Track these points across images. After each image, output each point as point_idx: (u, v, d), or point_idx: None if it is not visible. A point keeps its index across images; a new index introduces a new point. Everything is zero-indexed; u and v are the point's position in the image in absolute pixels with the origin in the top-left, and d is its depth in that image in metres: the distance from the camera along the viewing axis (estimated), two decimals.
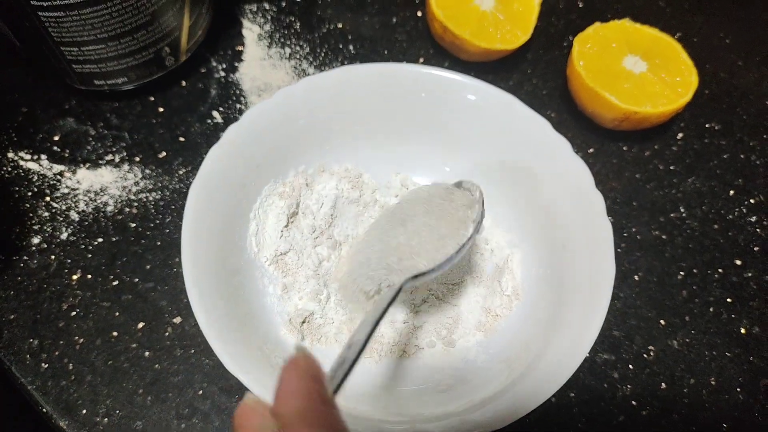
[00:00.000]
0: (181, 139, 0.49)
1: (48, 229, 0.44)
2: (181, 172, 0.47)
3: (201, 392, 0.39)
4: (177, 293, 0.42)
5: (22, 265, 0.43)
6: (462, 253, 0.35)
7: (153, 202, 0.46)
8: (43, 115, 0.49)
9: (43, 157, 0.47)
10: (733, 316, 0.44)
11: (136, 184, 0.47)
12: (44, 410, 0.39)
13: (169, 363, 0.40)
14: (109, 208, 0.45)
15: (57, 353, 0.40)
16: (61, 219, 0.45)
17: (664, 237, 0.47)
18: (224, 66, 0.53)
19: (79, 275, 0.43)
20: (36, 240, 0.44)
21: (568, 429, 0.40)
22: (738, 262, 0.46)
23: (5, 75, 0.51)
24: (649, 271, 0.45)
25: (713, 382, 0.41)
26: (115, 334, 0.41)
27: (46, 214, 0.45)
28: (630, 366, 0.42)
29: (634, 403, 0.41)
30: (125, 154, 0.48)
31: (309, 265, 0.41)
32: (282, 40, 0.55)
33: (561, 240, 0.39)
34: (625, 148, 0.51)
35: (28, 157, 0.47)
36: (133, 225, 0.45)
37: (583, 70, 0.47)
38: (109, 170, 0.47)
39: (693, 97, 0.47)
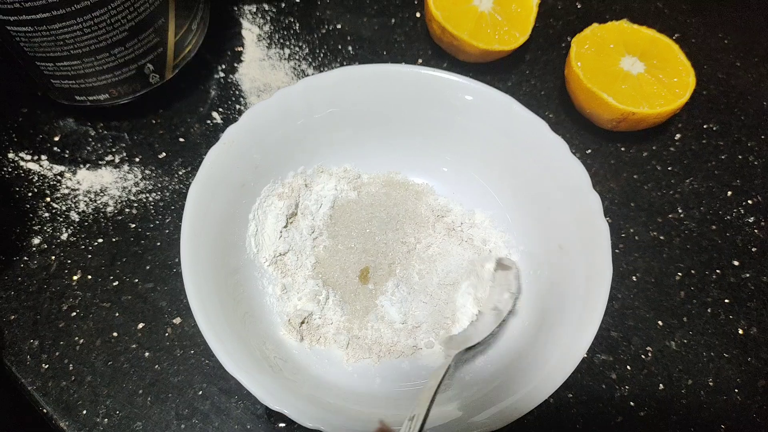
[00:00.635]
0: (181, 139, 0.49)
1: (48, 230, 0.45)
2: (181, 173, 0.48)
3: (201, 393, 0.40)
4: (177, 294, 0.43)
5: (22, 265, 0.43)
6: (502, 327, 0.39)
7: (153, 203, 0.46)
8: (43, 116, 0.49)
9: (44, 157, 0.48)
10: (731, 316, 0.44)
11: (136, 184, 0.47)
12: (44, 411, 0.39)
13: (168, 363, 0.40)
14: (109, 209, 0.46)
15: (57, 354, 0.40)
16: (62, 219, 0.45)
17: (662, 238, 0.47)
18: (224, 67, 0.53)
19: (79, 276, 0.43)
20: (36, 240, 0.44)
21: (566, 430, 0.40)
22: (736, 263, 0.46)
23: (5, 76, 0.51)
24: (647, 272, 0.45)
25: (711, 383, 0.42)
26: (115, 334, 0.41)
27: (47, 214, 0.45)
28: (628, 367, 0.42)
29: (632, 403, 0.41)
30: (125, 154, 0.48)
31: (308, 266, 0.41)
32: (281, 40, 0.55)
33: (558, 240, 0.39)
34: (623, 149, 0.51)
35: (29, 157, 0.47)
36: (133, 225, 0.45)
37: (581, 71, 0.47)
38: (109, 171, 0.47)
39: (691, 98, 0.47)
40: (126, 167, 0.47)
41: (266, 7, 0.57)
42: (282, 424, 0.39)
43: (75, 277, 0.43)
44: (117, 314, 0.42)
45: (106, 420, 0.38)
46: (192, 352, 0.41)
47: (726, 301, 0.45)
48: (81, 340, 0.41)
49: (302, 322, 0.39)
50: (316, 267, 0.42)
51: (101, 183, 0.47)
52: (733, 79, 0.56)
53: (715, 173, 0.50)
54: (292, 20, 0.56)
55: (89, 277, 0.43)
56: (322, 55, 0.54)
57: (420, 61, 0.55)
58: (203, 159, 0.38)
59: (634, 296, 0.44)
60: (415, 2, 0.58)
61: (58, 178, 0.47)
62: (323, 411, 0.33)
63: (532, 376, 0.34)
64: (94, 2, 0.38)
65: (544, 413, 0.40)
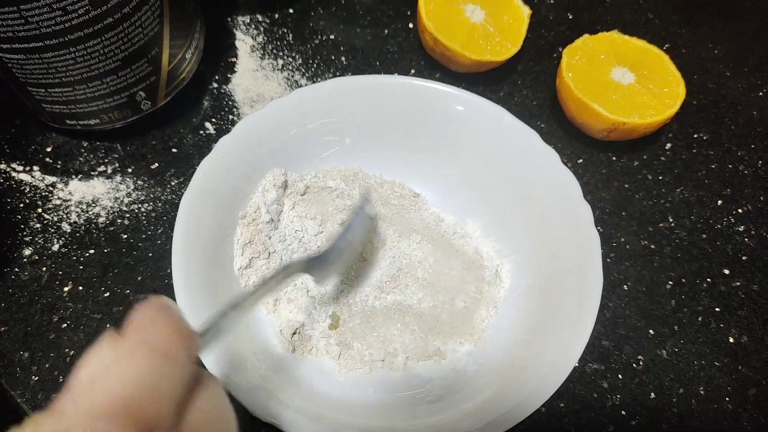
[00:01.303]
0: (174, 150, 0.49)
1: (40, 241, 0.44)
2: (173, 183, 0.48)
3: None
4: None
5: (13, 277, 0.43)
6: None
7: (145, 214, 0.46)
8: (35, 127, 0.49)
9: (36, 168, 0.48)
10: (721, 325, 0.44)
11: (129, 195, 0.47)
12: None
13: None
14: (101, 220, 0.46)
15: (47, 366, 0.40)
16: (53, 230, 0.45)
17: (652, 247, 0.47)
18: (217, 77, 0.53)
19: (70, 287, 0.43)
20: (27, 252, 0.44)
21: None
22: (726, 272, 0.47)
23: None
24: (638, 281, 0.46)
25: (702, 392, 0.42)
26: None
27: (38, 225, 0.45)
28: (619, 376, 0.42)
29: (623, 412, 0.41)
30: (117, 165, 0.48)
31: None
32: (275, 51, 0.55)
33: (550, 250, 0.40)
34: (614, 158, 0.51)
35: (21, 168, 0.47)
36: (125, 236, 0.45)
37: (572, 82, 0.48)
38: (102, 181, 0.47)
39: (681, 108, 0.48)
40: (118, 178, 0.47)
41: (260, 17, 0.57)
42: None
43: (66, 289, 0.43)
44: (108, 325, 0.42)
45: None
46: None
47: (716, 309, 0.45)
48: (71, 352, 0.41)
49: (294, 333, 0.39)
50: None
51: (93, 194, 0.47)
52: (723, 88, 0.56)
53: (706, 182, 0.51)
54: (286, 31, 0.56)
55: (80, 288, 0.43)
56: (315, 65, 0.55)
57: (413, 71, 0.55)
58: (196, 170, 0.38)
59: (625, 305, 0.45)
60: (408, 13, 0.58)
61: (50, 188, 0.47)
62: (315, 422, 0.32)
63: (524, 385, 0.35)
64: (87, 33, 0.38)
65: (536, 422, 0.40)
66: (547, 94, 0.54)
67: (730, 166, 0.52)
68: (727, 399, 0.42)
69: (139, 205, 0.46)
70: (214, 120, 0.51)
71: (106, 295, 0.43)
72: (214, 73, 0.53)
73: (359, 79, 0.43)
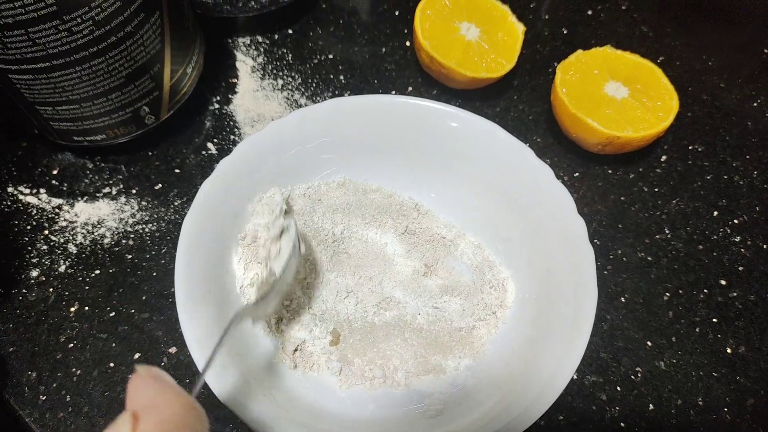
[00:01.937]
0: (177, 170, 0.50)
1: (46, 262, 0.45)
2: (176, 203, 0.49)
3: None
4: (173, 323, 0.43)
5: (20, 298, 0.44)
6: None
7: (149, 234, 0.47)
8: (42, 150, 0.51)
9: (42, 190, 0.49)
10: (719, 336, 0.45)
11: (133, 215, 0.48)
12: None
13: None
14: (107, 240, 0.47)
15: (55, 385, 0.41)
16: (60, 252, 0.46)
17: (649, 258, 0.48)
18: (218, 98, 0.54)
19: (76, 307, 0.44)
20: (35, 273, 0.45)
21: None
22: (723, 282, 0.47)
23: (4, 112, 0.52)
24: (635, 293, 0.46)
25: (700, 403, 0.42)
26: (111, 365, 0.42)
27: (45, 247, 0.46)
28: (618, 388, 0.42)
29: (622, 424, 0.41)
30: (122, 186, 0.49)
31: (299, 294, 0.42)
32: (275, 71, 0.56)
33: (545, 264, 0.40)
34: (610, 171, 0.52)
35: (28, 191, 0.49)
36: (130, 256, 0.46)
37: (566, 97, 0.49)
38: (107, 203, 0.48)
39: (676, 120, 0.48)
40: (123, 199, 0.49)
41: (260, 39, 0.58)
42: None
43: (72, 309, 0.44)
44: (114, 345, 0.42)
45: None
46: (187, 381, 0.41)
47: (714, 320, 0.45)
48: (78, 371, 0.41)
49: (295, 350, 0.40)
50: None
51: (98, 215, 0.48)
52: (717, 100, 0.57)
53: (701, 193, 0.51)
54: (285, 51, 0.58)
55: (86, 308, 0.44)
56: (314, 84, 0.56)
57: (410, 88, 0.56)
58: (198, 190, 0.39)
59: (622, 317, 0.45)
60: (405, 32, 0.59)
61: (57, 210, 0.48)
62: None
63: (523, 398, 0.35)
64: (92, 52, 0.39)
65: None
66: (543, 109, 0.55)
67: (726, 177, 0.52)
68: (725, 410, 0.42)
69: (143, 226, 0.47)
70: (215, 140, 0.52)
71: (111, 314, 0.44)
72: (215, 93, 0.55)
73: (357, 99, 0.44)
